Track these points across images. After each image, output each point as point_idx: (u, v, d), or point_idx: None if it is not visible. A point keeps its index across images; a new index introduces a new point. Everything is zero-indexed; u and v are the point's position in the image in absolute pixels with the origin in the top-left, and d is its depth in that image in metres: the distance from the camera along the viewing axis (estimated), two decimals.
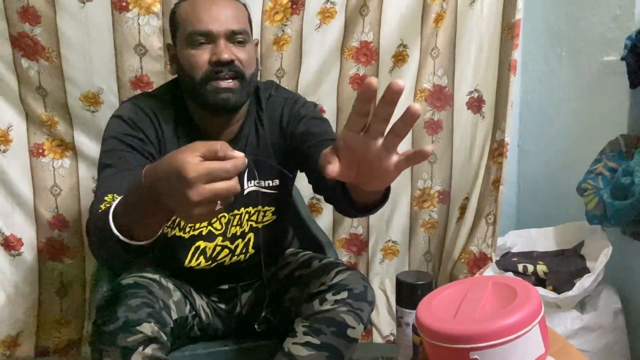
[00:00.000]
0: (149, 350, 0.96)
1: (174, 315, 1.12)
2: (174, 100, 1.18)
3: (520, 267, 1.60)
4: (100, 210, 0.87)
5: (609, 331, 1.51)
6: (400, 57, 1.64)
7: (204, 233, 1.20)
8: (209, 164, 0.68)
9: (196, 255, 1.21)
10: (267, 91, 1.23)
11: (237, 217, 1.21)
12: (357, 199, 0.90)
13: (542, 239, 1.73)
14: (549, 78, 1.89)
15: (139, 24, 1.44)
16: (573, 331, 1.46)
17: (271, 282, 1.26)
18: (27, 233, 1.55)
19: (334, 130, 1.43)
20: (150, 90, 1.36)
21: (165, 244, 0.89)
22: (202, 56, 1.08)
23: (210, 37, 1.08)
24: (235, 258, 1.24)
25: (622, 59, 1.46)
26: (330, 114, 1.64)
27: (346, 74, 1.63)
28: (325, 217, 1.74)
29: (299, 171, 1.22)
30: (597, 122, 1.68)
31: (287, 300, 1.21)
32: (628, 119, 1.54)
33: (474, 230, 1.72)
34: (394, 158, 0.71)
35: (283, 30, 1.54)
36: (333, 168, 0.72)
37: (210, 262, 1.22)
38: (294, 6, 1.52)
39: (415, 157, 0.70)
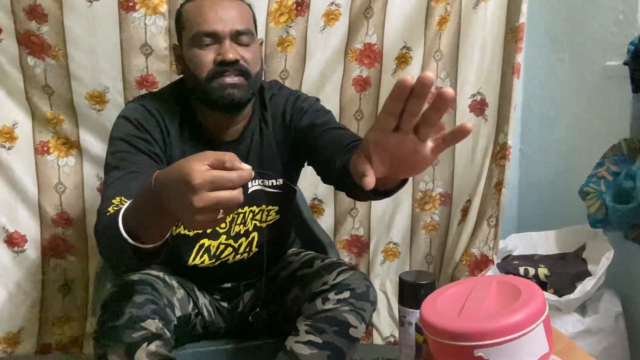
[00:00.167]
0: (153, 347, 0.97)
1: (178, 313, 1.12)
2: (179, 100, 1.18)
3: (521, 270, 1.60)
4: (108, 213, 0.88)
5: (610, 334, 1.51)
6: (403, 60, 1.65)
7: (208, 231, 1.20)
8: (215, 172, 0.69)
9: (200, 253, 1.22)
10: (271, 90, 1.24)
11: (241, 215, 1.22)
12: (378, 186, 0.89)
13: (543, 242, 1.73)
14: (551, 82, 1.90)
15: (145, 24, 1.45)
16: (574, 334, 1.47)
17: (273, 282, 1.27)
18: (31, 230, 1.55)
19: None
20: (155, 90, 1.37)
21: (170, 241, 0.90)
22: (208, 56, 1.09)
23: (215, 38, 1.09)
24: (238, 256, 1.24)
25: (625, 63, 1.46)
26: None
27: (349, 75, 1.63)
28: (326, 219, 1.74)
29: (306, 164, 1.21)
30: (599, 126, 1.69)
31: (289, 299, 1.21)
32: (630, 123, 1.55)
33: (475, 233, 1.73)
34: (429, 144, 0.71)
35: (287, 32, 1.55)
36: (370, 180, 0.70)
37: (214, 260, 1.23)
38: (299, 8, 1.53)
39: (455, 136, 0.69)
